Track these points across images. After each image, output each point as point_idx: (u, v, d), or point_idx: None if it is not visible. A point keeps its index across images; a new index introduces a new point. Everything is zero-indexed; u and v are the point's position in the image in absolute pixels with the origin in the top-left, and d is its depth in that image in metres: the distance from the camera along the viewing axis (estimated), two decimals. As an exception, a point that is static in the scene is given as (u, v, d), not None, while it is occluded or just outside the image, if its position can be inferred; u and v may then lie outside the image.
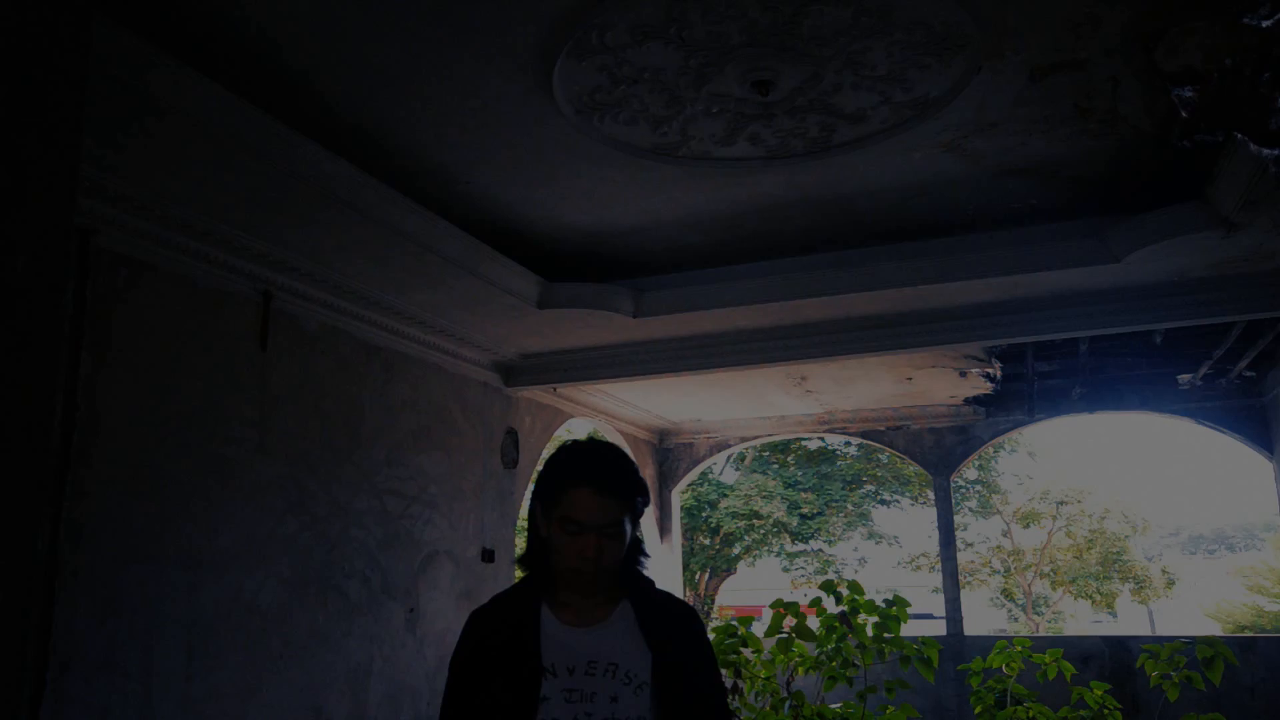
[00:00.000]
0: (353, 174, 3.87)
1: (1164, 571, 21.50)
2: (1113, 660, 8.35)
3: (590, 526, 1.88)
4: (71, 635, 3.53)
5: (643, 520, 2.06)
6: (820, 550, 19.04)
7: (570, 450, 2.01)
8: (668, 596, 2.08)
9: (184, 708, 3.96)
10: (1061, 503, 20.29)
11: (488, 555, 6.40)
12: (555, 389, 7.18)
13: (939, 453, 9.47)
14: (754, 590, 23.17)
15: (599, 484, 1.89)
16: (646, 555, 2.06)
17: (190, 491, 4.09)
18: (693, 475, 10.65)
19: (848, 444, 17.44)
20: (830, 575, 17.39)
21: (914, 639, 5.10)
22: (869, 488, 18.56)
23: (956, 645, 8.60)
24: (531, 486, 2.33)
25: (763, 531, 17.37)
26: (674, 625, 2.00)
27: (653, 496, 8.89)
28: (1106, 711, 5.16)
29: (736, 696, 5.04)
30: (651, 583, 2.07)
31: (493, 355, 6.41)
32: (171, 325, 4.09)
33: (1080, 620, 23.32)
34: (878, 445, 10.14)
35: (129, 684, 3.75)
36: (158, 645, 3.88)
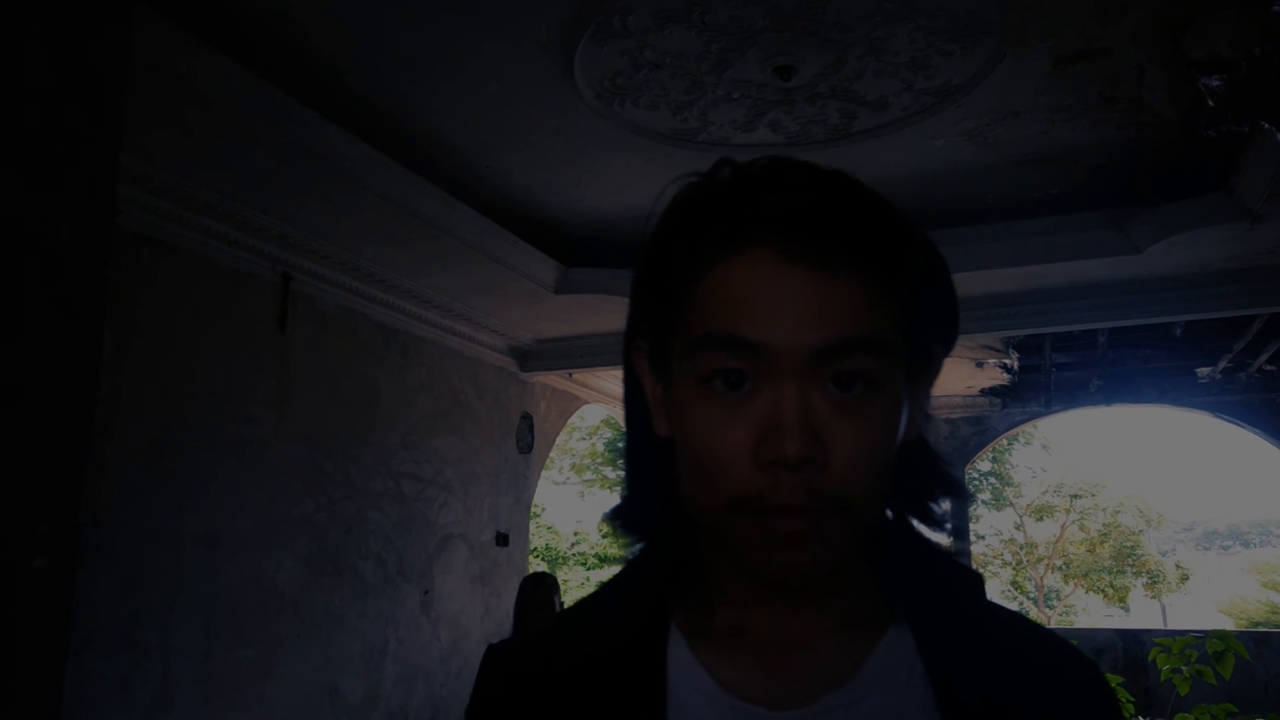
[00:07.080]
0: (373, 156, 3.88)
1: (1178, 566, 21.39)
2: (1125, 653, 8.33)
3: (784, 353, 0.60)
4: (92, 610, 3.57)
5: None
6: (832, 540, 19.02)
7: (715, 175, 0.68)
8: (1016, 622, 0.75)
9: (202, 684, 4.01)
10: (1075, 496, 20.19)
11: (502, 539, 6.43)
12: (571, 374, 7.19)
13: (954, 443, 9.43)
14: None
15: (801, 233, 0.61)
16: (954, 488, 0.74)
17: (209, 471, 4.12)
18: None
19: (861, 434, 17.39)
20: (842, 565, 17.35)
21: (927, 628, 5.10)
22: (882, 478, 18.51)
23: (968, 636, 8.59)
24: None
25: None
26: (1043, 707, 0.68)
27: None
28: (1119, 704, 5.15)
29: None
30: (976, 578, 0.76)
31: (509, 339, 6.42)
32: (192, 305, 4.12)
33: (1092, 614, 23.24)
34: (892, 435, 10.11)
35: (149, 660, 3.79)
36: (177, 622, 3.92)
